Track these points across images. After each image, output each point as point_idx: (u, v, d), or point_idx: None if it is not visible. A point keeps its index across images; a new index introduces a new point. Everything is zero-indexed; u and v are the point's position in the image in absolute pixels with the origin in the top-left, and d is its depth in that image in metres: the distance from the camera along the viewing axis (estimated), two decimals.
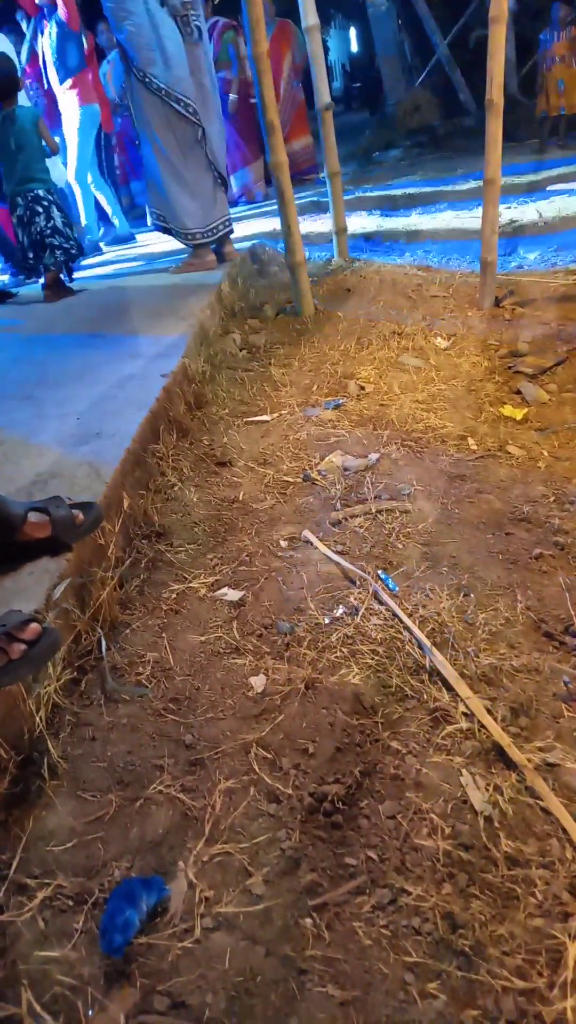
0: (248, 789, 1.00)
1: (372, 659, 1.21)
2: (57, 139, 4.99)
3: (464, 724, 1.07)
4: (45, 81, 5.25)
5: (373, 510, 1.66)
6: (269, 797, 0.99)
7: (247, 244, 4.00)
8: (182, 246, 3.65)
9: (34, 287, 3.93)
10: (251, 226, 5.15)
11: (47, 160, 3.70)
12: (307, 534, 1.60)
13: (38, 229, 3.55)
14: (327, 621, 1.32)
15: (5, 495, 1.28)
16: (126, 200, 7.43)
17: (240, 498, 1.78)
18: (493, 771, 1.00)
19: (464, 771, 1.00)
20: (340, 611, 1.34)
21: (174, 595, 1.43)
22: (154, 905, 0.85)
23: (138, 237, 6.05)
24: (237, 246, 3.81)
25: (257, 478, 1.88)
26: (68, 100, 5.10)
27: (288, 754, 1.05)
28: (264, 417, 2.24)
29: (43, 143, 3.58)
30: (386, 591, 1.37)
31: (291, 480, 1.86)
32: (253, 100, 5.15)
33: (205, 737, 1.10)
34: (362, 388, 2.39)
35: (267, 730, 1.10)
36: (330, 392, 2.39)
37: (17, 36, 5.55)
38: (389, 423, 2.12)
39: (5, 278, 4.70)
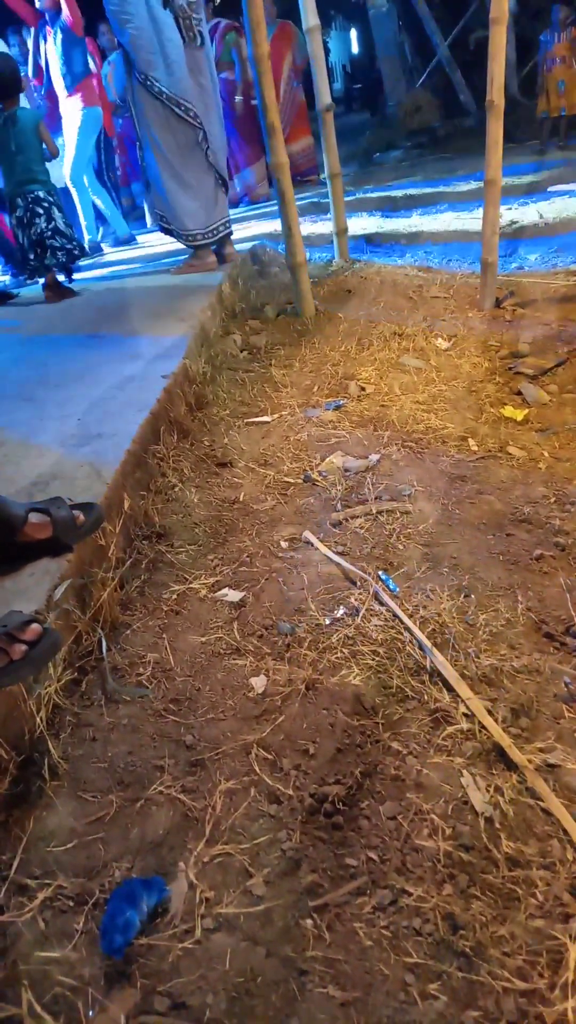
0: (249, 790, 1.00)
1: (373, 660, 1.21)
2: (61, 141, 5.01)
3: (465, 725, 1.07)
4: (46, 81, 5.24)
5: (374, 511, 1.66)
6: (270, 798, 0.99)
7: (248, 245, 4.00)
8: (182, 247, 3.66)
9: (35, 288, 3.94)
10: (252, 227, 5.15)
11: (47, 163, 3.70)
12: (308, 535, 1.60)
13: (39, 230, 3.56)
14: (328, 622, 1.32)
15: (6, 496, 1.28)
16: (127, 201, 7.44)
17: (241, 499, 1.78)
18: (494, 772, 1.00)
19: (465, 772, 1.00)
20: (341, 612, 1.34)
21: (175, 596, 1.43)
22: (155, 906, 0.85)
23: (138, 238, 6.06)
24: (238, 247, 3.82)
25: (258, 479, 1.88)
26: (72, 102, 5.11)
27: (289, 755, 1.05)
28: (265, 418, 2.24)
29: (43, 146, 3.59)
30: (387, 592, 1.37)
31: (292, 481, 1.86)
32: (254, 101, 5.16)
33: (206, 738, 1.10)
34: (363, 389, 2.39)
35: (268, 731, 1.10)
36: (331, 393, 2.39)
37: (20, 49, 5.55)
38: (390, 424, 2.12)
39: (6, 279, 4.70)
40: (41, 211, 3.56)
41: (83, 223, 5.54)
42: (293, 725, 1.10)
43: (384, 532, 1.59)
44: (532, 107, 7.14)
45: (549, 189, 5.14)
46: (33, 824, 0.97)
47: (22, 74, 4.17)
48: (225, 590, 1.44)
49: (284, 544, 1.59)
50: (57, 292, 3.63)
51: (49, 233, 3.57)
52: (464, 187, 5.44)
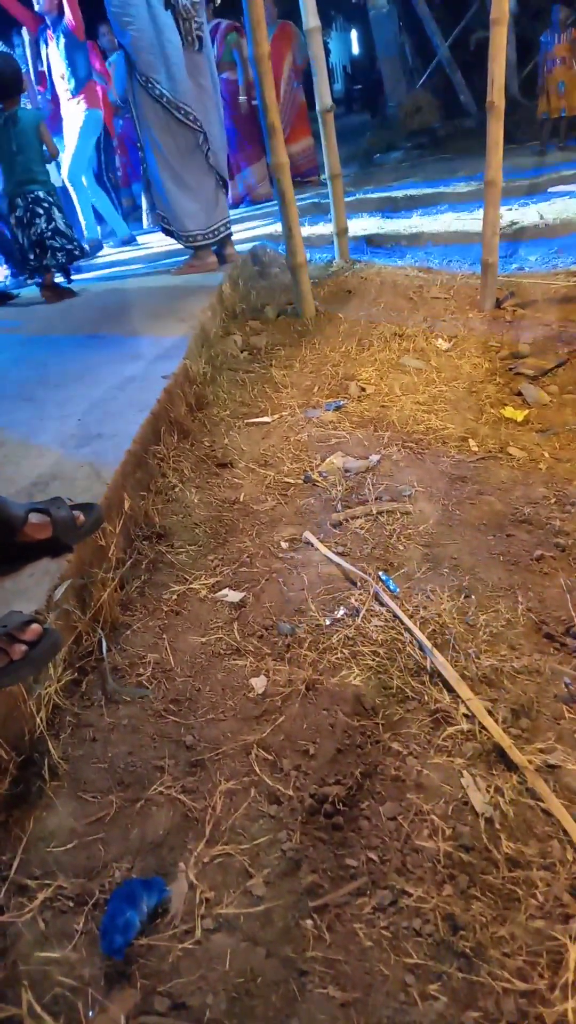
0: (249, 790, 1.00)
1: (373, 660, 1.21)
2: (62, 144, 5.01)
3: (465, 725, 1.07)
4: (49, 85, 5.24)
5: (374, 511, 1.66)
6: (270, 798, 0.99)
7: (249, 246, 4.00)
8: (183, 247, 3.66)
9: (35, 288, 3.93)
10: (252, 228, 5.16)
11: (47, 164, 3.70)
12: (308, 535, 1.60)
13: (38, 231, 3.56)
14: (328, 622, 1.32)
15: (6, 496, 1.28)
16: (128, 202, 7.45)
17: (241, 499, 1.78)
18: (494, 772, 1.00)
19: (465, 772, 1.00)
20: (341, 612, 1.34)
21: (175, 596, 1.43)
22: (155, 906, 0.85)
23: (139, 239, 6.06)
24: (239, 248, 3.82)
25: (258, 479, 1.88)
26: (74, 104, 5.11)
27: (289, 755, 1.05)
28: (265, 418, 2.24)
29: (43, 146, 3.59)
30: (387, 592, 1.37)
31: (292, 481, 1.86)
32: (255, 102, 5.16)
33: (206, 738, 1.10)
34: (363, 390, 2.39)
35: (268, 731, 1.10)
36: (331, 393, 2.39)
37: (30, 49, 5.54)
38: (390, 424, 2.12)
39: (5, 271, 4.69)
40: (41, 211, 3.56)
41: (82, 222, 5.54)
42: (293, 725, 1.10)
43: (384, 533, 1.59)
44: (532, 108, 7.14)
45: (549, 190, 5.15)
46: (33, 824, 0.97)
47: (24, 72, 4.18)
48: (225, 590, 1.44)
49: (284, 544, 1.59)
50: (56, 292, 3.63)
51: (49, 233, 3.57)
52: (464, 188, 5.44)
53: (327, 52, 4.16)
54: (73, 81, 4.99)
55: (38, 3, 4.83)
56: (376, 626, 1.29)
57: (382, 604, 1.35)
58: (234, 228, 3.78)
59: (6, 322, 3.42)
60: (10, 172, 3.56)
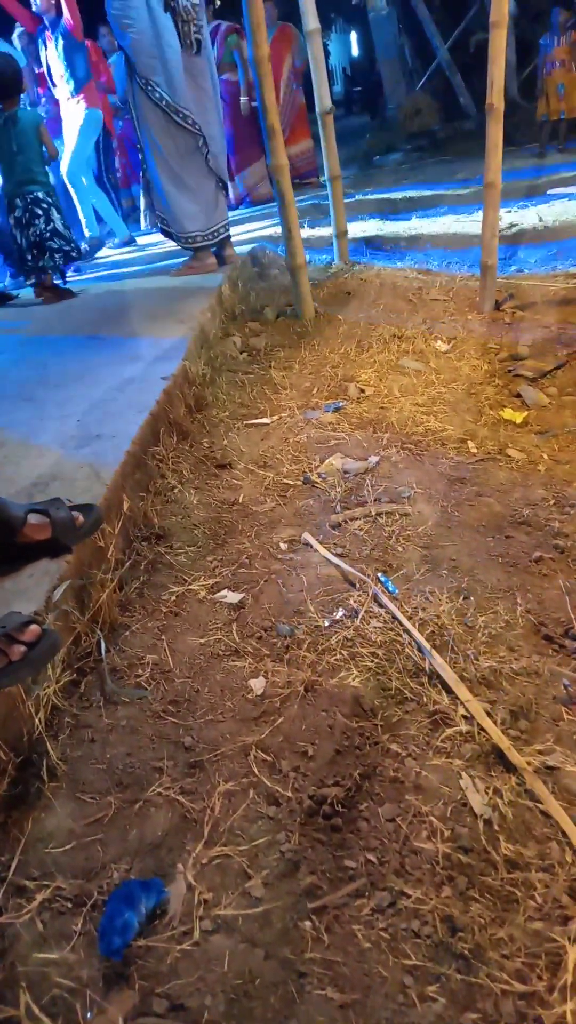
0: (247, 791, 1.00)
1: (372, 662, 1.21)
2: (62, 145, 5.00)
3: (464, 727, 1.07)
4: (50, 83, 5.24)
5: (373, 513, 1.67)
6: (268, 799, 0.99)
7: (248, 247, 4.01)
8: (182, 249, 3.66)
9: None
10: (252, 230, 5.16)
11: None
12: (307, 537, 1.60)
13: (37, 231, 3.56)
14: (327, 624, 1.32)
15: (5, 497, 1.28)
16: (127, 203, 7.45)
17: (240, 500, 1.78)
18: (493, 774, 1.00)
19: (464, 774, 1.00)
20: (340, 614, 1.34)
21: (174, 597, 1.43)
22: (153, 907, 0.85)
23: (138, 240, 6.07)
24: (238, 249, 3.82)
25: (257, 480, 1.88)
26: (74, 104, 5.11)
27: (287, 756, 1.05)
28: (264, 420, 2.24)
29: (43, 147, 3.59)
30: (386, 594, 1.37)
31: (291, 483, 1.86)
32: (255, 103, 5.17)
33: (204, 739, 1.10)
34: (362, 391, 2.39)
35: (266, 732, 1.10)
36: (330, 395, 2.39)
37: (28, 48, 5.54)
38: (389, 426, 2.12)
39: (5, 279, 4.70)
40: (40, 212, 3.57)
41: (83, 220, 5.54)
42: (292, 727, 1.10)
43: (383, 534, 1.59)
44: (532, 110, 7.16)
45: (549, 192, 5.15)
46: (31, 825, 0.97)
47: (24, 72, 4.17)
48: (224, 592, 1.44)
49: (283, 546, 1.59)
50: (56, 293, 3.63)
51: (48, 235, 3.57)
52: (464, 190, 5.46)
53: (327, 54, 4.16)
54: (72, 81, 4.99)
55: (35, 3, 4.83)
56: (375, 627, 1.29)
57: (381, 605, 1.35)
58: (233, 230, 3.79)
59: (6, 322, 3.42)
60: (10, 172, 3.57)
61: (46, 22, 4.88)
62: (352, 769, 1.02)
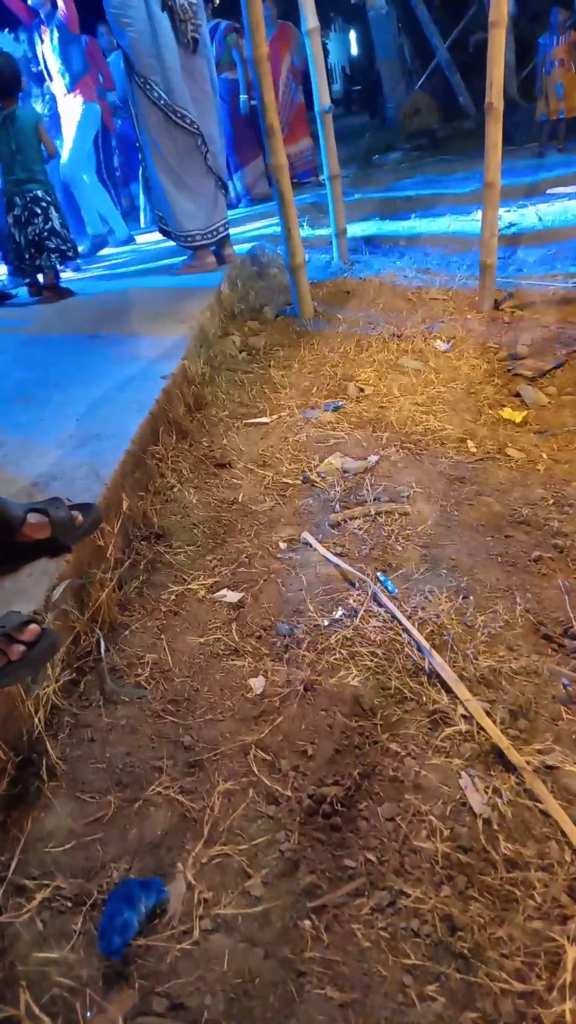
0: (247, 791, 1.00)
1: (371, 661, 1.21)
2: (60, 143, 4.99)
3: (463, 726, 1.07)
4: (47, 78, 5.22)
5: (372, 512, 1.67)
6: (268, 799, 0.99)
7: (247, 246, 4.01)
8: (181, 247, 3.66)
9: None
10: (252, 228, 5.15)
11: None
12: (306, 536, 1.60)
13: (36, 230, 3.56)
14: (326, 623, 1.32)
15: (5, 497, 1.28)
16: (127, 202, 7.44)
17: (239, 500, 1.78)
18: (492, 773, 1.00)
19: (463, 773, 1.00)
20: (339, 613, 1.34)
21: (173, 597, 1.43)
22: (153, 907, 0.85)
23: (137, 239, 6.06)
24: (237, 249, 3.82)
25: (256, 480, 1.88)
26: (71, 99, 5.09)
27: (287, 756, 1.05)
28: (263, 419, 2.24)
29: (42, 146, 3.59)
30: (385, 593, 1.37)
31: (290, 482, 1.86)
32: (254, 102, 5.16)
33: (204, 739, 1.10)
34: (361, 390, 2.39)
35: (266, 732, 1.10)
36: (329, 394, 2.39)
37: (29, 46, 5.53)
38: (388, 425, 2.12)
39: (3, 271, 4.68)
40: (39, 211, 3.56)
41: (85, 218, 5.52)
42: (291, 726, 1.10)
43: (383, 533, 1.59)
44: (531, 110, 7.16)
45: (548, 192, 5.15)
46: (31, 825, 0.97)
47: (24, 74, 4.16)
48: (224, 591, 1.44)
49: (283, 545, 1.59)
50: (55, 292, 3.63)
51: (46, 234, 3.57)
52: (463, 189, 5.45)
53: (326, 53, 4.16)
54: (68, 76, 4.97)
55: None
56: (374, 627, 1.29)
57: (380, 605, 1.35)
58: (232, 228, 3.78)
59: (5, 322, 3.42)
60: (9, 171, 3.56)
61: (41, 15, 4.84)
62: (351, 768, 1.02)
